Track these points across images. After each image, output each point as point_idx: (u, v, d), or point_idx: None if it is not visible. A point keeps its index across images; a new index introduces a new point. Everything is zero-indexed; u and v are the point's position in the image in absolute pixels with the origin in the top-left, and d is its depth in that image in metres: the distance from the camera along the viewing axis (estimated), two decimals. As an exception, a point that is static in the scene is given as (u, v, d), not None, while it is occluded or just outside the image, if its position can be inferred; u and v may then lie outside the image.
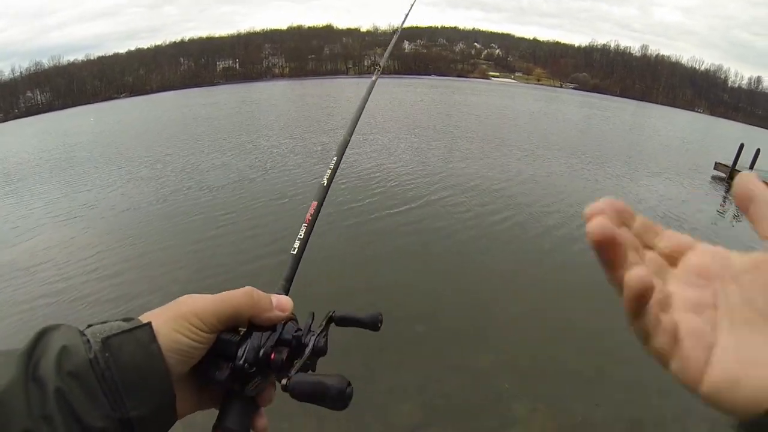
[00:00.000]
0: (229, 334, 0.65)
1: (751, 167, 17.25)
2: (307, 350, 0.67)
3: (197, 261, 9.15)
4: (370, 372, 5.76)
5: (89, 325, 0.56)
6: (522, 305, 7.57)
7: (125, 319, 0.58)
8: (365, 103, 1.36)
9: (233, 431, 0.64)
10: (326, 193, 1.00)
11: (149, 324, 0.56)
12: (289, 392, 0.62)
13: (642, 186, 16.94)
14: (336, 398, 0.62)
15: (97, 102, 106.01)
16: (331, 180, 1.03)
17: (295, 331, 0.69)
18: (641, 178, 18.18)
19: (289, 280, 0.82)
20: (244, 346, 0.64)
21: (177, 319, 0.58)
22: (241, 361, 0.62)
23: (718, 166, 20.31)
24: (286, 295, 0.77)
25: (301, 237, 0.89)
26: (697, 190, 17.46)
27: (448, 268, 8.82)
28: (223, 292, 0.64)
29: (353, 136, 1.23)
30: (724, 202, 16.23)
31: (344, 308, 0.79)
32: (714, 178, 19.74)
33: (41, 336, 0.52)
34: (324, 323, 0.74)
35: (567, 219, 11.75)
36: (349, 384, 0.62)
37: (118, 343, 0.53)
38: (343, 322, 0.78)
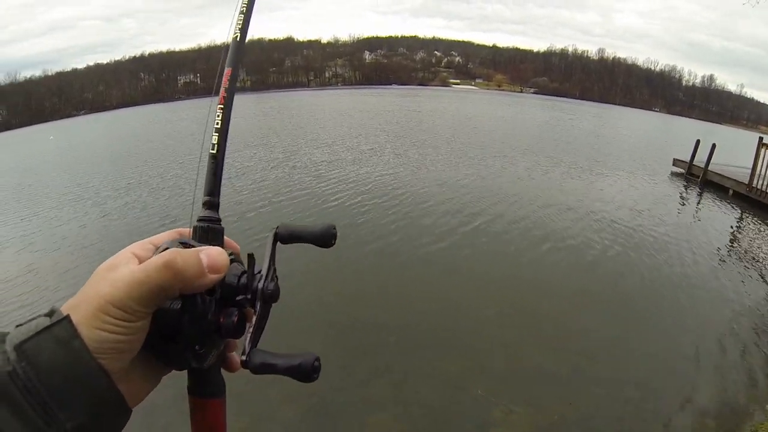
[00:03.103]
0: (169, 302, 0.54)
1: (708, 162, 17.71)
2: (258, 307, 0.59)
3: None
4: (344, 383, 5.67)
5: (17, 326, 0.48)
6: (493, 309, 7.54)
7: (48, 313, 0.49)
8: None
9: (207, 398, 0.61)
10: (242, 50, 0.70)
11: (67, 317, 0.48)
12: (249, 369, 0.56)
13: (605, 184, 17.21)
14: (303, 376, 0.55)
15: (55, 119, 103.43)
16: (245, 31, 0.71)
17: (240, 276, 0.59)
18: (604, 177, 18.48)
19: (215, 193, 0.64)
20: (184, 322, 0.54)
21: (96, 314, 0.49)
22: (189, 344, 0.54)
23: (676, 162, 20.78)
24: (215, 212, 0.64)
25: (218, 126, 0.66)
26: (657, 185, 17.87)
27: (416, 275, 8.77)
28: (138, 269, 0.52)
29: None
30: (683, 196, 16.68)
31: (290, 223, 0.66)
32: (673, 173, 20.23)
33: None
34: (270, 248, 0.64)
35: (537, 219, 11.87)
36: (316, 359, 0.55)
37: (35, 347, 0.45)
38: (291, 239, 0.66)
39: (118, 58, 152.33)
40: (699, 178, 18.13)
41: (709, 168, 17.79)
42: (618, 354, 6.40)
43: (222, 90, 0.67)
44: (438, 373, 5.93)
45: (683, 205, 15.45)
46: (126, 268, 0.52)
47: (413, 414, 5.26)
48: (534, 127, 39.90)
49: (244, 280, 0.59)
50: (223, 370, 0.63)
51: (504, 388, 5.61)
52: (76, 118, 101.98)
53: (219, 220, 0.63)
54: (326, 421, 5.16)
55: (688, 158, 19.45)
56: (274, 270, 0.62)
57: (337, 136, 27.37)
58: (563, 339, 6.72)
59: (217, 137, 0.65)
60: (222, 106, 0.66)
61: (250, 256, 0.60)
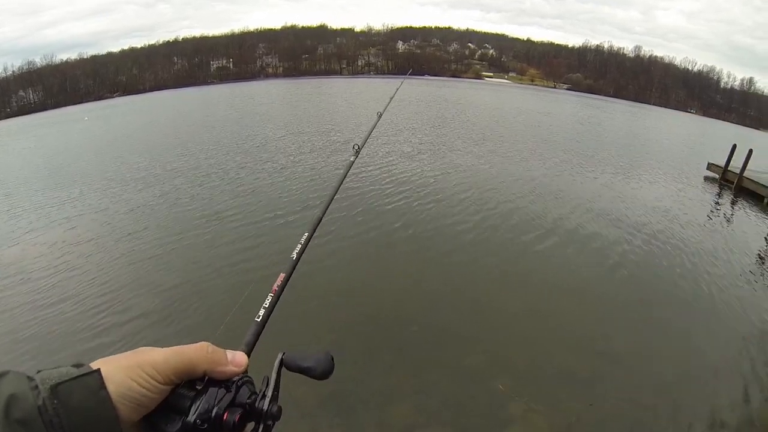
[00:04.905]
0: (185, 389, 0.65)
1: (743, 168, 17.31)
2: (264, 418, 0.68)
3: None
4: (364, 372, 5.77)
5: (39, 371, 0.56)
6: (517, 306, 7.60)
7: (76, 365, 0.58)
8: (341, 184, 1.59)
9: None
10: (295, 266, 1.06)
11: (98, 371, 0.57)
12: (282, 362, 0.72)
13: (636, 186, 17.00)
14: (321, 375, 0.72)
15: (89, 101, 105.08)
16: (300, 254, 1.09)
17: (249, 396, 0.69)
18: (636, 178, 18.23)
19: (250, 345, 0.81)
20: (198, 403, 0.64)
21: (133, 368, 0.59)
22: (193, 418, 0.62)
23: (710, 166, 20.38)
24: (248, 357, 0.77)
25: (267, 306, 0.90)
26: (690, 190, 17.51)
27: (443, 268, 8.82)
28: (179, 346, 0.65)
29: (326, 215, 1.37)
30: (717, 202, 16.37)
31: (294, 350, 0.77)
32: (707, 178, 19.85)
33: None
34: (276, 374, 0.74)
35: (565, 219, 11.80)
36: (331, 358, 0.72)
37: (68, 390, 0.53)
38: (292, 367, 0.76)
39: (152, 42, 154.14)
40: (733, 184, 17.79)
41: (745, 174, 17.41)
42: (640, 359, 6.38)
43: (275, 286, 0.95)
44: (459, 365, 6.03)
45: (715, 211, 15.13)
46: (165, 348, 0.65)
47: (432, 405, 5.35)
48: (576, 123, 39.31)
49: (253, 398, 0.69)
50: None
51: (525, 385, 5.68)
52: (109, 100, 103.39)
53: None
54: (345, 407, 5.28)
55: (723, 163, 19.10)
56: (278, 392, 0.72)
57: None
58: (587, 340, 6.73)
59: (264, 312, 0.88)
60: (272, 294, 0.93)
61: (265, 378, 0.73)
